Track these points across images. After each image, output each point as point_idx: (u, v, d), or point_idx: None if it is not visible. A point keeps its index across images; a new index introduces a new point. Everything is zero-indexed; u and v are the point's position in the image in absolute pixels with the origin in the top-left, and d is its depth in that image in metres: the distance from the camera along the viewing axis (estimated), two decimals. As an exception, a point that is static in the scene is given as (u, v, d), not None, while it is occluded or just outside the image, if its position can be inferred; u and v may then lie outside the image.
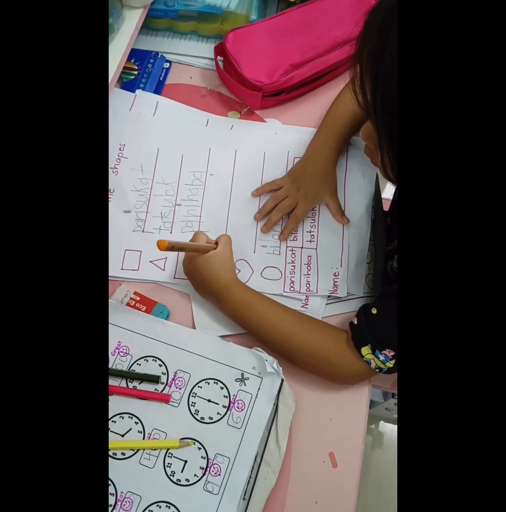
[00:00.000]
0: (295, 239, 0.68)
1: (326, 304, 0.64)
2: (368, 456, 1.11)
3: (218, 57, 0.77)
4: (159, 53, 0.79)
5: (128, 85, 0.76)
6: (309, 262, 0.67)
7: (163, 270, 0.65)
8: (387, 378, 0.90)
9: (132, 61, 0.78)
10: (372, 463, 1.11)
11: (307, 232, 0.69)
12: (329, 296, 0.65)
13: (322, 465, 0.56)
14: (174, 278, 0.65)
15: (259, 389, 0.57)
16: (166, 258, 0.65)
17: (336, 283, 0.65)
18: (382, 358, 0.54)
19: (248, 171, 0.71)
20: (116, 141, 0.71)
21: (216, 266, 0.59)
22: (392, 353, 0.54)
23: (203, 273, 0.59)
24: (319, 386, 0.59)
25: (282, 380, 0.57)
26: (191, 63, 0.80)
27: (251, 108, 0.75)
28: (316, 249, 0.67)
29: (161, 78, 0.78)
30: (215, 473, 0.53)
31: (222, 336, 0.60)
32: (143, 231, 0.67)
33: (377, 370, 0.56)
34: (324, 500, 0.55)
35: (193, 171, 0.71)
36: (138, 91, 0.75)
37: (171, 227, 0.68)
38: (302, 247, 0.68)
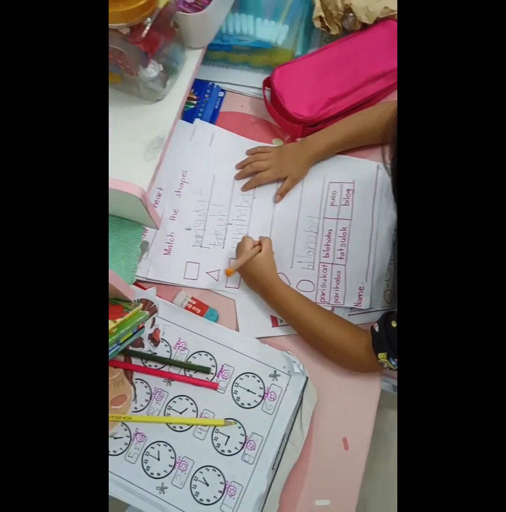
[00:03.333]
0: (327, 255, 0.80)
1: (348, 315, 0.76)
2: (393, 436, 1.24)
3: (267, 88, 0.87)
4: (215, 84, 0.90)
5: (189, 114, 0.89)
6: (338, 277, 0.78)
7: (217, 280, 0.79)
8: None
9: (192, 91, 0.90)
10: (394, 441, 1.24)
11: (338, 250, 0.80)
12: (352, 308, 0.76)
13: (336, 447, 0.70)
14: (225, 286, 0.79)
15: (287, 384, 0.71)
16: (219, 270, 0.80)
17: (360, 296, 0.76)
18: (394, 363, 0.66)
19: (288, 195, 0.83)
20: (180, 168, 0.85)
21: (262, 267, 0.73)
22: None
23: (252, 273, 0.74)
24: (338, 384, 0.72)
25: (307, 378, 0.70)
26: (243, 92, 0.90)
27: (292, 137, 0.85)
28: (345, 265, 0.79)
29: (216, 107, 0.90)
30: (251, 448, 0.68)
31: (260, 338, 0.74)
32: (201, 246, 0.81)
33: (387, 368, 0.68)
34: (336, 474, 0.69)
35: (242, 194, 0.84)
36: (197, 121, 0.87)
37: (223, 243, 0.81)
38: (332, 263, 0.79)
